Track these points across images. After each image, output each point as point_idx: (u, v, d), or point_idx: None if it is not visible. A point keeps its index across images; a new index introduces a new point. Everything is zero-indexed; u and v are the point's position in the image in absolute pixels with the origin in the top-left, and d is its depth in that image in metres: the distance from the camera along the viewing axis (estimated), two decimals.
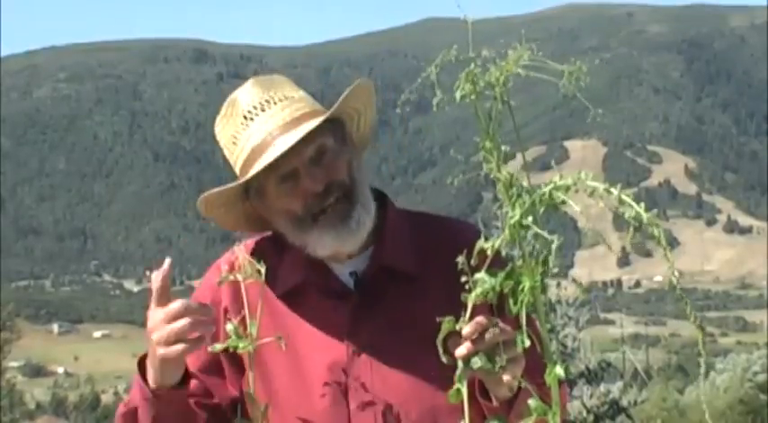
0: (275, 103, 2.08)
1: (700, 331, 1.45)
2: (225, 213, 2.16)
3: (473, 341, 1.75)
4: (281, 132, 2.05)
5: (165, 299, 1.92)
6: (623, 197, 1.47)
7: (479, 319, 1.74)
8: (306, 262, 2.11)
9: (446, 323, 1.72)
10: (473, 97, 1.57)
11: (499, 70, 1.56)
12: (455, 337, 1.75)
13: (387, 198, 2.20)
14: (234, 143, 2.10)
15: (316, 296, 2.12)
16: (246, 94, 2.11)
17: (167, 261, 1.93)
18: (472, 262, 1.63)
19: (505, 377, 1.81)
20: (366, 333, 2.08)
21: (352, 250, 2.10)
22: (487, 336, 1.75)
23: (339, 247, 2.07)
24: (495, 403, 1.91)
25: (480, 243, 1.62)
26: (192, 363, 2.05)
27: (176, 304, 1.89)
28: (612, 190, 1.47)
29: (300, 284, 2.12)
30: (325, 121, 2.05)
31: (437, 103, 1.58)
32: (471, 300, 1.65)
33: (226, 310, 2.11)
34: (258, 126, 2.07)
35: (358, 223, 2.06)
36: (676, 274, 1.45)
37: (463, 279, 1.65)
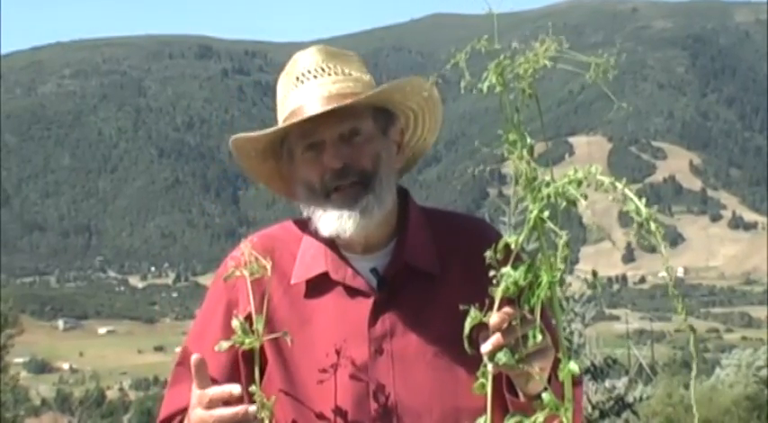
0: (329, 75, 2.08)
1: (691, 333, 1.46)
2: (258, 164, 2.17)
3: (502, 333, 1.74)
4: (321, 104, 2.04)
5: (204, 381, 1.93)
6: (626, 191, 1.48)
7: (507, 309, 1.73)
8: (325, 254, 2.11)
9: (473, 316, 1.71)
10: (499, 89, 1.57)
11: (528, 62, 1.56)
12: (483, 330, 1.75)
13: (409, 195, 2.19)
14: (283, 102, 2.12)
15: (337, 291, 2.09)
16: (307, 56, 2.12)
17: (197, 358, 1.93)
18: (498, 257, 1.65)
19: (534, 369, 1.78)
20: (387, 332, 2.06)
21: (352, 236, 2.06)
22: (514, 323, 1.74)
23: (340, 230, 2.04)
24: (521, 399, 1.89)
25: (505, 238, 1.63)
26: (212, 371, 2.02)
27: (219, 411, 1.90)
28: (618, 184, 1.49)
29: (321, 277, 2.10)
30: (372, 108, 2.07)
31: (464, 86, 1.58)
32: (498, 294, 1.66)
33: (248, 314, 2.05)
34: (304, 90, 2.07)
35: (364, 210, 2.03)
36: (671, 272, 1.47)
37: (491, 273, 1.66)
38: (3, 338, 16.51)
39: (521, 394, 1.90)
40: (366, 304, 2.07)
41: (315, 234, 2.10)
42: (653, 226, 1.46)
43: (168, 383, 2.18)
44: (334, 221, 2.04)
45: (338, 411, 2.03)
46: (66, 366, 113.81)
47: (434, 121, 2.18)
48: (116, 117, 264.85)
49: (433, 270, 2.10)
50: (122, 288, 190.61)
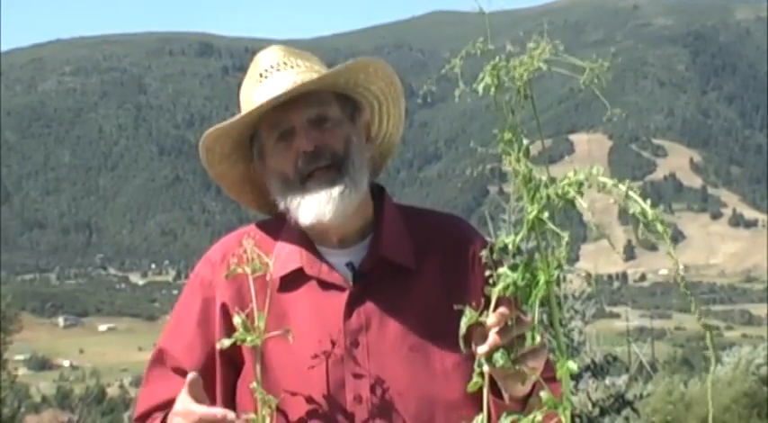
0: (292, 67, 2.11)
1: (706, 330, 1.46)
2: (228, 169, 2.17)
3: (497, 333, 1.74)
4: (288, 90, 2.05)
5: (197, 397, 1.93)
6: (631, 193, 1.47)
7: (502, 309, 1.72)
8: (300, 250, 2.11)
9: (469, 315, 1.70)
10: (493, 90, 1.57)
11: (523, 66, 1.55)
12: (478, 328, 1.74)
13: (384, 192, 2.20)
14: (248, 99, 2.13)
15: (312, 286, 2.09)
16: (268, 54, 2.16)
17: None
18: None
19: (527, 368, 1.77)
20: (363, 325, 2.05)
21: (332, 221, 2.05)
22: (509, 323, 1.73)
23: (320, 215, 2.04)
24: (507, 401, 1.89)
25: (502, 239, 1.61)
26: (187, 365, 2.05)
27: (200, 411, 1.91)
28: (621, 185, 1.47)
29: (296, 272, 2.09)
30: (337, 96, 2.10)
31: (459, 94, 1.57)
32: (494, 294, 1.64)
33: (223, 305, 2.10)
34: (269, 84, 2.09)
35: (342, 194, 2.03)
36: (681, 271, 1.44)
37: (487, 273, 1.65)
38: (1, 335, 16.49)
39: (506, 397, 1.89)
40: (341, 298, 2.06)
41: (290, 231, 2.11)
42: (660, 228, 1.44)
43: (143, 382, 2.15)
44: (313, 207, 2.04)
45: (314, 404, 2.02)
46: (66, 363, 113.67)
47: (398, 113, 2.19)
48: (116, 114, 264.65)
49: (408, 264, 2.10)
50: (123, 285, 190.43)
